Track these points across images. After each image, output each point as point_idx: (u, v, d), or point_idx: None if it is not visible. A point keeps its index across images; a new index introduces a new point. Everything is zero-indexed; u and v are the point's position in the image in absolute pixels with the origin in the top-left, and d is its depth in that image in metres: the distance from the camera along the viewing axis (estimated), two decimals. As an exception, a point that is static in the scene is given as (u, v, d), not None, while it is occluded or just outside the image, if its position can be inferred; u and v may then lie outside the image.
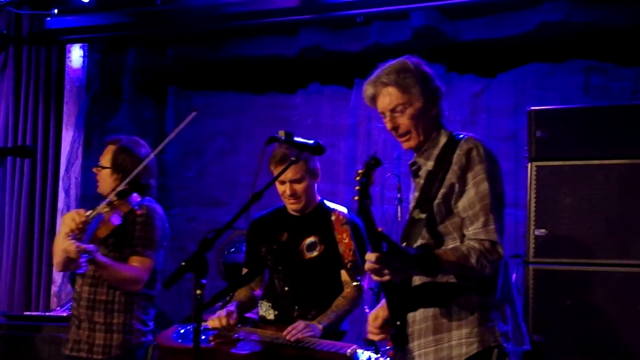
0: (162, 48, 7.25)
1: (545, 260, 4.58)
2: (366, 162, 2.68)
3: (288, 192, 3.88)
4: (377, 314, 2.99)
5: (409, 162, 3.06)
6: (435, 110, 2.96)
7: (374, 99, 3.01)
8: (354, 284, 3.81)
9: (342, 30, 6.72)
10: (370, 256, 2.64)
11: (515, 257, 4.82)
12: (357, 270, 3.82)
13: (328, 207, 4.00)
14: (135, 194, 4.01)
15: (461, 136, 2.94)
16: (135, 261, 4.02)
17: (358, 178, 2.63)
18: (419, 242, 2.86)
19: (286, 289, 3.93)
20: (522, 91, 6.25)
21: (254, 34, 6.94)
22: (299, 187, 3.88)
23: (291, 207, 3.95)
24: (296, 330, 3.57)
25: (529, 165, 4.69)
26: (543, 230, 4.59)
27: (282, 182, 3.89)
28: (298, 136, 3.40)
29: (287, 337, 3.56)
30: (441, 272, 2.75)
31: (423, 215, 2.83)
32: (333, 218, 3.92)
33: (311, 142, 3.41)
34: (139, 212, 4.04)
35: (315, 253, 3.90)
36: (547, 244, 4.57)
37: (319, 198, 4.04)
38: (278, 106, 7.17)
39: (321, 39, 6.77)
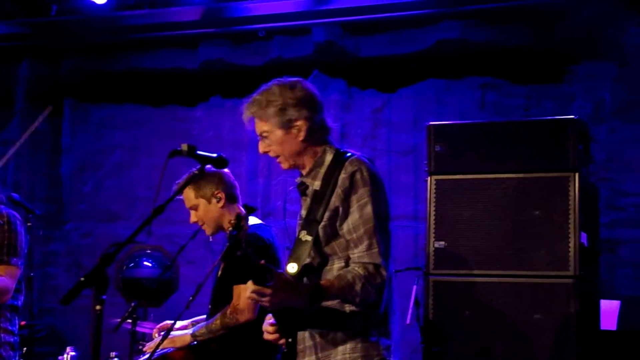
0: (59, 59, 7.07)
1: (444, 272, 4.66)
2: (237, 214, 2.68)
3: (192, 219, 3.93)
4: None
5: (297, 183, 3.06)
6: (302, 135, 2.95)
7: (250, 121, 3.06)
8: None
9: (244, 44, 6.72)
10: (249, 289, 2.64)
11: (416, 270, 4.89)
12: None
13: None
14: None
15: (347, 155, 2.95)
16: (1, 270, 3.86)
17: (230, 229, 2.62)
18: (307, 261, 2.88)
19: (210, 306, 4.00)
20: (421, 106, 6.38)
21: (155, 46, 6.85)
22: (197, 214, 3.91)
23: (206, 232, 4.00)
24: (153, 343, 3.76)
25: (429, 179, 4.77)
26: (442, 243, 4.67)
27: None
28: (200, 150, 3.36)
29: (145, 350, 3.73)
30: (324, 301, 2.78)
31: (309, 238, 2.85)
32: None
33: (214, 155, 3.36)
34: None
35: (219, 271, 3.95)
36: (446, 256, 4.65)
37: None
38: (179, 119, 7.09)
39: (223, 53, 6.75)
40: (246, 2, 6.25)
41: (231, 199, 3.97)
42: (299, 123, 2.95)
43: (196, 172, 3.35)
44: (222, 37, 6.68)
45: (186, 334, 3.87)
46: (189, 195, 3.90)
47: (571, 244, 4.38)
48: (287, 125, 2.95)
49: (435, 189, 4.74)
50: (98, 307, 2.58)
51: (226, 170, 4.03)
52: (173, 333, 3.86)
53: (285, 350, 2.88)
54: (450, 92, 6.38)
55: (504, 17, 6.01)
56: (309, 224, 2.87)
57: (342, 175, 2.86)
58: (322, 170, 2.95)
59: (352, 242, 2.84)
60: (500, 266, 4.53)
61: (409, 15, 6.14)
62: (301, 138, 2.97)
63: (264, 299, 2.65)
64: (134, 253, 5.55)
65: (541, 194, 4.51)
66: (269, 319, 2.91)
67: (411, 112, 6.45)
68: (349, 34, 6.43)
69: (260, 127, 2.98)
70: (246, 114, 3.03)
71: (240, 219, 2.61)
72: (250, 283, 2.63)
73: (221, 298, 3.85)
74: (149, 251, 5.64)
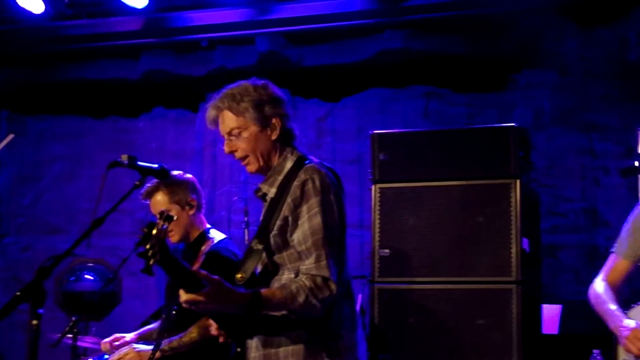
0: (-6, 70, 6.92)
1: (389, 280, 4.68)
2: (149, 222, 2.57)
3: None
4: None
5: (255, 189, 3.02)
6: (276, 134, 2.90)
7: (215, 121, 2.97)
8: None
9: (186, 54, 6.66)
10: (181, 297, 2.58)
11: (361, 278, 4.90)
12: None
13: (206, 236, 3.97)
14: None
15: (306, 162, 2.88)
16: None
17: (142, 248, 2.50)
18: (256, 270, 2.83)
19: (163, 316, 3.99)
20: (365, 115, 6.40)
21: (95, 56, 6.76)
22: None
23: (170, 239, 3.91)
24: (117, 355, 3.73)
25: (373, 187, 4.79)
26: (387, 251, 4.69)
27: (156, 216, 3.89)
28: (142, 161, 3.31)
29: None
30: (263, 311, 2.69)
31: (260, 247, 2.80)
32: (203, 247, 3.88)
33: (155, 166, 3.33)
34: None
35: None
36: (391, 264, 4.67)
37: (206, 227, 4.01)
38: (121, 130, 7.00)
39: (165, 63, 6.68)
40: (188, 11, 6.21)
41: (199, 207, 3.97)
42: (274, 121, 2.89)
43: (137, 183, 3.30)
44: (164, 47, 6.61)
45: (149, 349, 3.79)
46: (161, 200, 3.86)
47: (513, 250, 4.44)
48: (263, 121, 2.88)
49: (379, 197, 4.76)
50: (35, 322, 2.51)
51: (191, 176, 4.00)
52: (137, 346, 3.79)
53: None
54: (394, 101, 6.42)
55: (445, 26, 6.07)
56: (262, 232, 2.83)
57: (295, 183, 2.80)
58: (280, 177, 2.89)
59: (302, 254, 2.77)
60: (444, 273, 4.57)
61: (352, 25, 6.16)
62: (274, 137, 2.90)
63: (198, 306, 2.58)
64: (75, 266, 5.47)
65: (483, 201, 4.56)
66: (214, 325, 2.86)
67: (355, 121, 6.47)
68: (292, 43, 6.43)
69: (231, 123, 2.88)
70: (213, 111, 2.93)
71: (153, 227, 2.51)
72: (182, 291, 2.56)
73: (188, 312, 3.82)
74: (90, 264, 5.56)
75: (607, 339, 3.80)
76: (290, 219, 2.79)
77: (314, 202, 2.76)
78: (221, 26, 6.24)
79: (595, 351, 4.06)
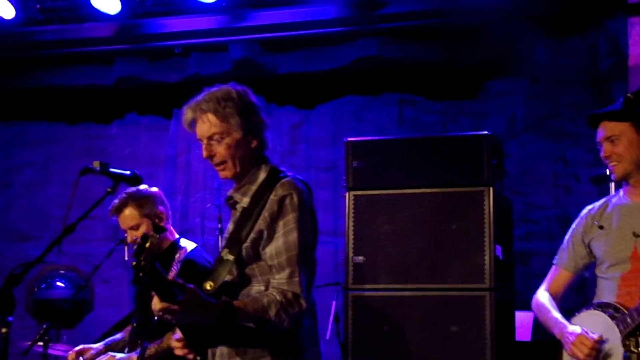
0: (-38, 76, 6.84)
1: (363, 287, 4.68)
2: (143, 234, 2.60)
3: (129, 238, 3.86)
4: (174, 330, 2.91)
5: (226, 196, 2.99)
6: (256, 142, 2.88)
7: (192, 124, 2.92)
8: None
9: (160, 60, 6.65)
10: (155, 306, 2.56)
11: (335, 285, 4.90)
12: None
13: (178, 246, 3.97)
14: None
15: (281, 175, 2.87)
16: None
17: (135, 260, 2.50)
18: (226, 280, 2.80)
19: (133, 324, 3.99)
20: (339, 123, 6.42)
21: (68, 62, 6.71)
22: (137, 233, 3.88)
23: None
24: None
25: (347, 194, 4.79)
26: (361, 258, 4.69)
27: (125, 231, 3.92)
28: (115, 167, 3.29)
29: None
30: (235, 322, 2.69)
31: (231, 257, 2.77)
32: (177, 256, 3.87)
33: (127, 172, 3.31)
34: None
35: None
36: (365, 271, 4.67)
37: (175, 237, 4.03)
38: (93, 137, 6.96)
39: (138, 69, 6.66)
40: (162, 18, 6.19)
41: (167, 218, 4.01)
42: (256, 128, 2.88)
43: (109, 189, 3.28)
44: (137, 53, 6.59)
45: (130, 356, 3.76)
46: (131, 214, 3.88)
47: (486, 257, 4.46)
48: (246, 129, 2.84)
49: (353, 204, 4.76)
50: (4, 330, 2.50)
51: (156, 189, 4.01)
52: (117, 355, 3.78)
53: None
54: (368, 109, 6.44)
55: (420, 34, 6.11)
56: (233, 242, 2.80)
57: (273, 197, 2.78)
58: (254, 187, 2.87)
59: (274, 268, 2.76)
60: (418, 280, 4.58)
61: (327, 33, 6.18)
62: (254, 145, 2.88)
63: (172, 315, 2.56)
64: (46, 273, 5.42)
65: (457, 208, 4.58)
66: (176, 333, 2.84)
67: (329, 129, 6.48)
68: (267, 50, 6.43)
69: (214, 127, 2.82)
70: (194, 113, 2.88)
71: (147, 240, 2.51)
72: (156, 299, 2.54)
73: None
74: (62, 271, 5.52)
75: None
76: (265, 233, 2.78)
77: (290, 218, 2.76)
78: (195, 33, 6.23)
79: (567, 357, 4.10)
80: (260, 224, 2.78)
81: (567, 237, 3.33)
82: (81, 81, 6.71)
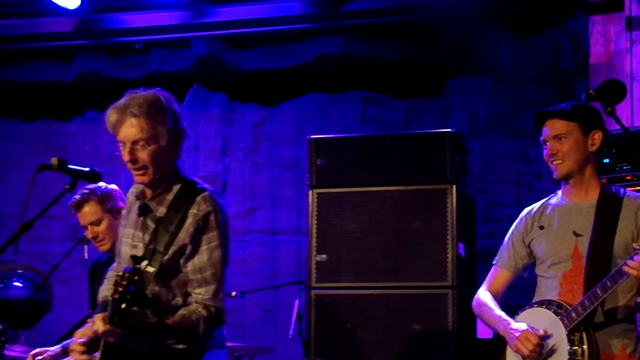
0: None
1: (326, 285, 4.66)
2: (133, 268, 2.55)
3: (89, 234, 3.79)
4: (83, 332, 2.84)
5: (139, 205, 2.93)
6: (176, 151, 2.89)
7: (116, 126, 2.87)
8: None
9: (121, 56, 6.56)
10: (99, 328, 2.56)
11: (298, 283, 4.87)
12: None
13: None
14: None
15: (199, 187, 2.88)
16: None
17: (125, 283, 2.51)
18: (146, 293, 2.78)
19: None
20: (303, 120, 6.39)
21: (26, 57, 6.61)
22: (98, 229, 3.81)
23: (99, 248, 3.86)
24: None
25: (310, 192, 4.76)
26: (324, 256, 4.67)
27: (85, 227, 3.84)
28: (74, 164, 3.23)
29: None
30: (167, 340, 2.73)
31: (152, 270, 2.76)
32: None
33: (86, 169, 3.25)
34: None
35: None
36: (328, 269, 4.65)
37: None
38: (53, 134, 6.86)
39: (99, 65, 6.57)
40: (122, 13, 6.12)
41: None
42: (180, 136, 2.87)
43: (68, 187, 3.22)
44: (97, 49, 6.50)
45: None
46: (93, 210, 3.81)
47: (449, 255, 4.46)
48: (172, 137, 2.84)
49: (316, 202, 4.74)
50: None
51: (115, 186, 3.95)
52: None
53: None
54: (332, 106, 6.42)
55: (383, 32, 6.11)
56: (152, 253, 2.78)
57: (193, 211, 2.80)
58: (169, 197, 2.87)
59: (196, 282, 2.81)
60: (381, 278, 4.57)
61: (290, 30, 6.15)
62: (174, 154, 2.88)
63: (113, 338, 2.58)
64: (3, 273, 5.34)
65: (420, 206, 4.58)
66: (79, 336, 2.78)
67: (293, 126, 6.45)
68: (230, 47, 6.38)
69: (141, 133, 2.79)
70: (119, 116, 2.84)
71: (136, 273, 2.53)
72: (100, 321, 2.54)
73: None
74: (20, 271, 5.45)
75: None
76: (189, 247, 2.80)
77: (214, 235, 2.82)
78: (156, 29, 6.16)
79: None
80: (184, 238, 2.80)
81: (507, 238, 3.36)
82: (40, 77, 6.62)
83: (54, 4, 5.82)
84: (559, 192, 3.26)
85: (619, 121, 2.77)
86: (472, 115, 6.10)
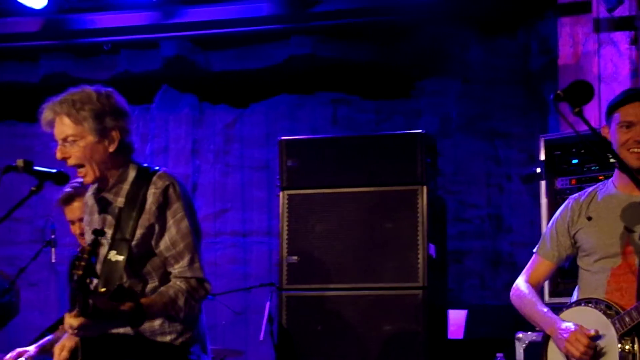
0: None
1: (297, 287, 4.64)
2: (94, 239, 2.55)
3: (76, 230, 3.73)
4: (63, 344, 2.86)
5: (96, 198, 2.92)
6: (114, 147, 2.84)
7: (50, 124, 2.87)
8: None
9: (88, 57, 6.50)
10: (73, 322, 2.54)
11: (269, 285, 4.85)
12: None
13: None
14: None
15: (154, 169, 2.88)
16: None
17: (86, 256, 2.49)
18: (119, 282, 2.75)
19: None
20: (274, 121, 6.38)
21: (-10, 58, 6.51)
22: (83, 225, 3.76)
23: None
24: None
25: (281, 194, 4.74)
26: (295, 258, 4.65)
27: (72, 222, 3.74)
28: (41, 167, 3.18)
29: None
30: (148, 320, 2.72)
31: (121, 258, 2.74)
32: None
33: (53, 171, 3.20)
34: None
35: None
36: (299, 271, 4.64)
37: None
38: (19, 135, 6.77)
39: (66, 66, 6.50)
40: (90, 14, 6.04)
41: None
42: (113, 133, 2.83)
43: (34, 189, 3.17)
44: (64, 49, 6.42)
45: None
46: (78, 206, 3.68)
47: (419, 256, 4.46)
48: (102, 133, 2.81)
49: (287, 204, 4.72)
50: None
51: None
52: None
53: None
54: (303, 108, 6.42)
55: (353, 33, 6.11)
56: (118, 243, 2.77)
57: (153, 190, 2.80)
58: (126, 186, 2.86)
59: (172, 258, 2.80)
60: (352, 279, 4.56)
61: (260, 31, 6.13)
62: (112, 149, 2.84)
63: (87, 331, 2.57)
64: (-31, 277, 5.23)
65: (391, 207, 4.58)
66: (58, 351, 2.78)
67: (264, 127, 6.44)
68: (200, 48, 6.35)
69: (67, 130, 2.80)
70: (50, 114, 2.84)
71: (97, 245, 2.51)
72: (72, 318, 2.52)
73: None
74: (-15, 275, 5.34)
75: (510, 343, 3.87)
76: (156, 226, 2.79)
77: (177, 207, 2.81)
78: (124, 29, 6.10)
79: (499, 355, 4.13)
80: (149, 218, 2.79)
81: (550, 224, 3.13)
82: (5, 78, 6.53)
83: (20, 3, 5.72)
84: (609, 182, 3.04)
85: (587, 122, 2.75)
86: (442, 116, 6.12)
